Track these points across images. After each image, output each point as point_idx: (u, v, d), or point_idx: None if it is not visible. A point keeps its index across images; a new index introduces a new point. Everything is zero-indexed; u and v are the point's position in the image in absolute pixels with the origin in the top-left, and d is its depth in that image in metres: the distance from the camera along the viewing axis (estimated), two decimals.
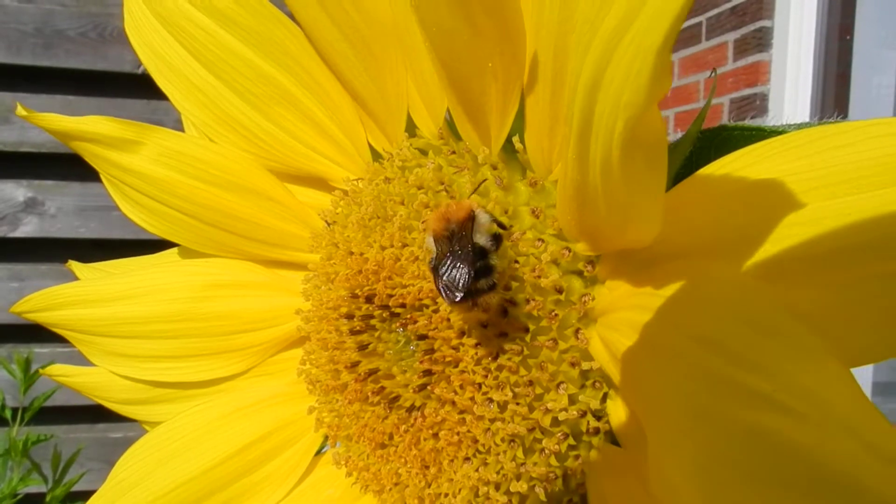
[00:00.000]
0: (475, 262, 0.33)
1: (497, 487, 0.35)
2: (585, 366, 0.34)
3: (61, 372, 0.51)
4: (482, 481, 0.35)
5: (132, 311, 0.48)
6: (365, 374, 0.41)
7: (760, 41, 2.60)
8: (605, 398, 0.34)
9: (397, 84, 0.40)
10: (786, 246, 0.24)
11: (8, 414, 1.99)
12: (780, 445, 0.18)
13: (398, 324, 0.39)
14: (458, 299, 0.32)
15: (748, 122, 0.36)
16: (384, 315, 0.40)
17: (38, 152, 2.25)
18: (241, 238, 0.47)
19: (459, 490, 0.36)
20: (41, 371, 0.53)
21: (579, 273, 0.35)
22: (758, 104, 2.62)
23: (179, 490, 0.45)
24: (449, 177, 0.38)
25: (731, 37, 2.72)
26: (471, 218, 0.34)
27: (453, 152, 0.39)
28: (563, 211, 0.33)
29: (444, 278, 0.33)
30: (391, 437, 0.39)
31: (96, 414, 2.28)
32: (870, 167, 0.22)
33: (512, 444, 0.35)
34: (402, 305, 0.38)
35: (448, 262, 0.33)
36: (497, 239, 0.33)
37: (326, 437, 0.46)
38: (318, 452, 0.47)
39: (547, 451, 0.34)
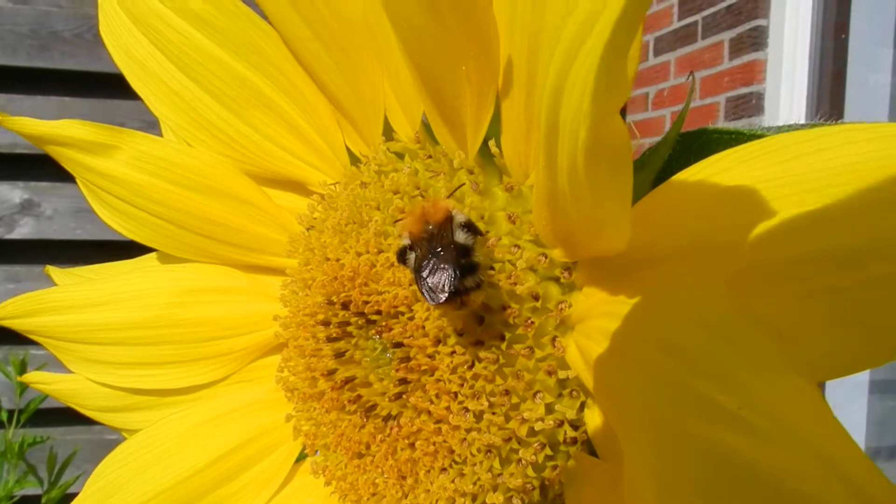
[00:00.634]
0: (459, 261, 0.32)
1: (474, 499, 0.35)
2: (562, 374, 0.33)
3: (39, 379, 0.51)
4: (458, 492, 0.35)
5: (109, 318, 0.47)
6: (342, 382, 0.40)
7: (756, 40, 2.60)
8: (582, 407, 0.34)
9: (373, 86, 0.40)
10: (756, 254, 0.23)
11: (4, 416, 1.98)
12: (740, 464, 0.18)
13: (374, 331, 0.39)
14: (442, 300, 0.31)
15: (727, 126, 0.35)
16: (360, 322, 0.39)
17: (33, 154, 2.24)
18: (218, 243, 0.47)
19: (436, 501, 0.36)
20: (19, 377, 0.52)
21: (556, 279, 0.34)
22: (753, 103, 2.62)
23: (158, 499, 0.44)
24: (425, 181, 0.38)
25: (726, 36, 2.71)
26: (449, 219, 0.33)
27: (430, 156, 0.39)
28: (537, 216, 0.32)
29: (429, 281, 0.32)
30: (368, 446, 0.39)
31: None
32: (841, 174, 0.21)
33: (488, 454, 0.34)
34: (378, 312, 0.38)
35: (430, 264, 0.32)
36: (475, 233, 0.33)
37: (305, 446, 0.45)
38: (298, 460, 0.46)
39: (524, 462, 0.34)
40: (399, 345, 0.36)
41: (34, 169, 2.28)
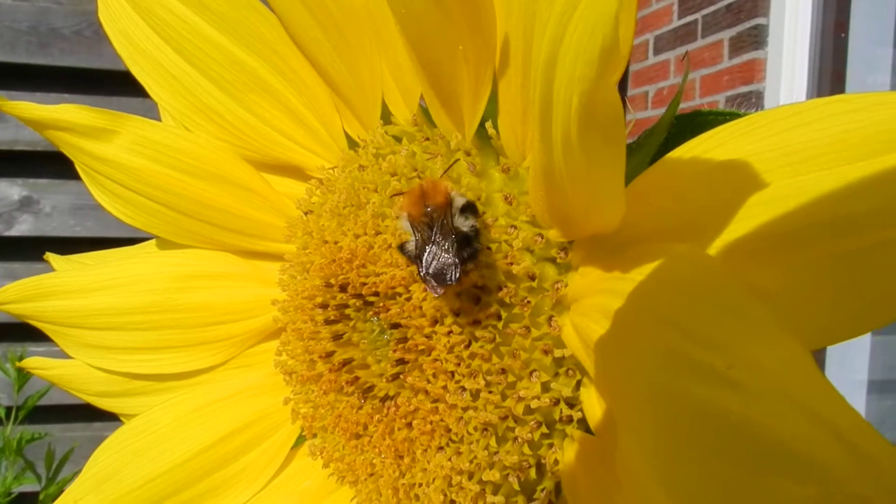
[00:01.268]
0: (461, 253, 0.32)
1: (470, 476, 0.35)
2: (558, 353, 0.34)
3: (38, 364, 0.51)
4: (455, 470, 0.35)
5: (108, 303, 0.47)
6: (339, 364, 0.40)
7: (756, 39, 2.60)
8: (578, 386, 0.34)
9: (372, 71, 0.40)
10: (750, 225, 0.24)
11: (2, 413, 1.98)
12: (732, 422, 0.18)
13: (372, 312, 0.39)
14: (442, 293, 0.32)
15: (722, 108, 0.36)
16: (358, 304, 0.40)
17: (33, 151, 2.25)
18: (217, 228, 0.47)
19: (433, 479, 0.36)
20: (18, 363, 0.52)
21: (552, 260, 0.35)
22: (753, 102, 2.62)
23: (154, 482, 0.45)
24: (422, 163, 0.38)
25: (726, 34, 2.71)
26: (448, 202, 0.33)
27: (427, 139, 0.39)
28: (534, 196, 0.33)
29: (432, 271, 0.32)
30: (365, 427, 0.39)
31: (91, 413, 2.27)
32: (828, 144, 0.22)
33: (485, 432, 0.34)
34: (376, 294, 0.38)
35: (432, 253, 0.32)
36: (475, 212, 0.33)
37: (303, 429, 0.45)
38: (296, 444, 0.46)
39: (520, 440, 0.34)
40: (396, 325, 0.37)
41: (33, 166, 2.28)
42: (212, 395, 0.47)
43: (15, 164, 2.27)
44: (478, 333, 0.34)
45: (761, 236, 0.23)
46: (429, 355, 0.35)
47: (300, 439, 0.46)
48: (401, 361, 0.36)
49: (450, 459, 0.35)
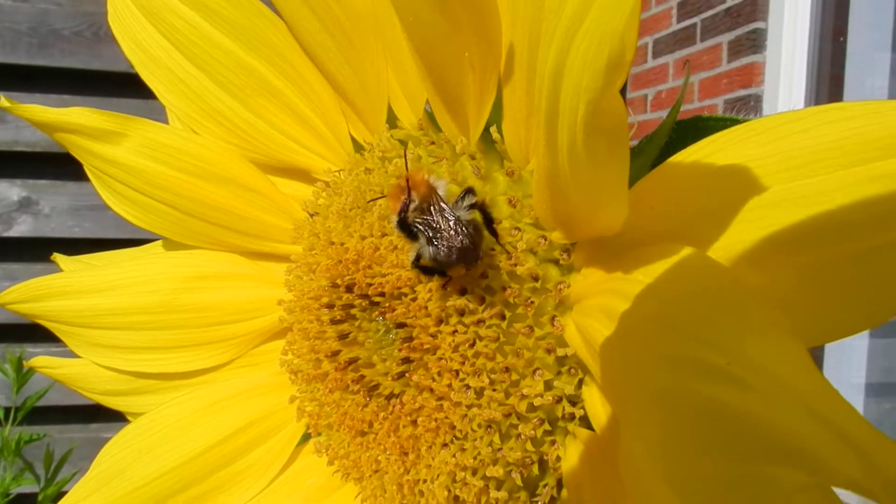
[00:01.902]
0: (468, 230, 0.33)
1: (474, 473, 0.36)
2: (561, 352, 0.34)
3: (45, 363, 0.51)
4: (459, 467, 0.36)
5: (115, 303, 0.48)
6: (345, 363, 0.41)
7: (754, 42, 2.61)
8: (580, 384, 0.34)
9: (378, 75, 0.41)
10: (749, 228, 0.25)
11: (1, 413, 1.98)
12: (733, 417, 0.19)
13: (377, 312, 0.40)
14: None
15: (722, 114, 0.36)
16: (364, 304, 0.40)
17: (32, 151, 2.25)
18: (224, 230, 0.48)
19: (437, 476, 0.37)
20: (26, 363, 0.53)
21: (555, 261, 0.35)
22: (752, 105, 2.63)
23: (161, 480, 0.45)
24: (428, 167, 0.39)
25: (725, 38, 2.72)
26: (433, 189, 0.34)
27: (432, 143, 0.40)
28: (538, 199, 0.33)
29: (455, 257, 0.33)
30: (371, 424, 0.40)
31: (90, 414, 2.28)
32: (825, 150, 0.22)
33: (489, 429, 0.35)
34: (382, 294, 0.39)
35: (444, 242, 0.33)
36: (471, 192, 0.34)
37: (308, 428, 0.46)
38: (301, 442, 0.47)
39: (523, 437, 0.35)
40: (402, 325, 0.37)
41: (32, 167, 2.28)
42: (218, 393, 0.48)
43: (14, 164, 2.28)
44: (482, 333, 0.35)
45: (760, 239, 0.24)
46: (434, 354, 0.36)
47: (305, 437, 0.46)
48: (406, 360, 0.37)
49: (454, 456, 0.36)
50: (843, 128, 0.22)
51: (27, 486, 1.88)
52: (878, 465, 0.16)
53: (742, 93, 2.66)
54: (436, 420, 0.36)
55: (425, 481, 0.37)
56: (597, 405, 0.33)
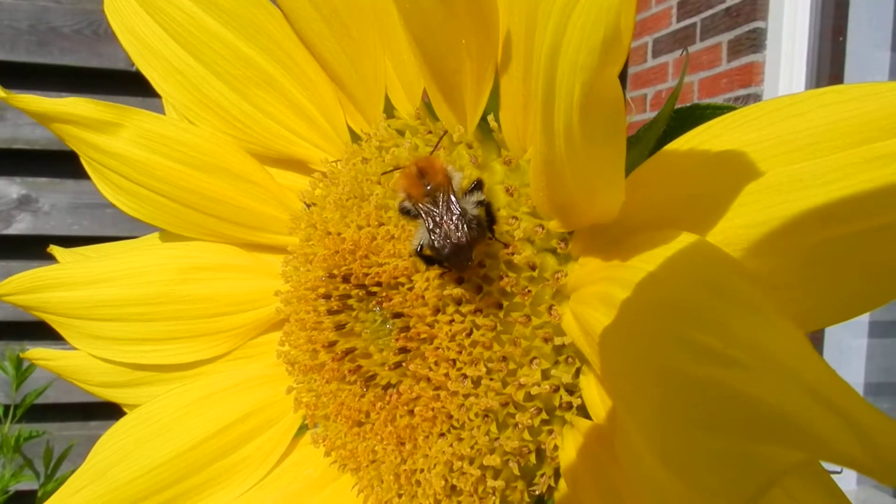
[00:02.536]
0: (471, 228, 0.33)
1: (471, 462, 0.35)
2: (558, 341, 0.34)
3: (41, 356, 0.51)
4: (456, 456, 0.36)
5: (112, 294, 0.48)
6: (342, 354, 0.41)
7: (754, 42, 2.61)
8: (578, 373, 0.34)
9: (375, 65, 0.41)
10: (746, 212, 0.24)
11: (0, 411, 1.98)
12: (728, 394, 0.19)
13: (374, 302, 0.39)
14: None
15: (720, 102, 0.36)
16: (361, 294, 0.40)
17: (31, 149, 2.25)
18: (221, 221, 0.47)
19: (434, 465, 0.36)
20: (22, 354, 0.53)
21: (552, 250, 0.35)
22: (752, 104, 2.63)
23: (157, 471, 0.45)
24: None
25: (724, 38, 2.72)
26: (448, 180, 0.34)
27: (430, 132, 0.39)
28: (535, 187, 0.33)
29: (447, 252, 0.32)
30: (367, 414, 0.40)
31: (89, 411, 2.28)
32: (822, 133, 0.22)
33: (486, 418, 0.35)
34: (378, 284, 0.38)
35: (443, 234, 0.33)
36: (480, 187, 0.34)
37: (305, 419, 0.46)
38: (298, 434, 0.47)
39: (520, 426, 0.35)
40: (399, 315, 0.37)
41: (32, 164, 2.28)
42: (215, 385, 0.48)
43: (14, 162, 2.28)
44: (479, 322, 0.35)
45: (757, 222, 0.24)
46: (431, 344, 0.36)
47: (302, 428, 0.46)
48: (403, 350, 0.37)
49: (451, 445, 0.36)
50: (840, 110, 0.22)
51: (26, 483, 1.88)
52: (877, 442, 0.16)
53: (742, 92, 2.66)
54: (433, 409, 0.36)
55: (422, 471, 0.37)
56: (594, 394, 0.32)
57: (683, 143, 0.28)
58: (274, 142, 0.46)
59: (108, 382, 0.50)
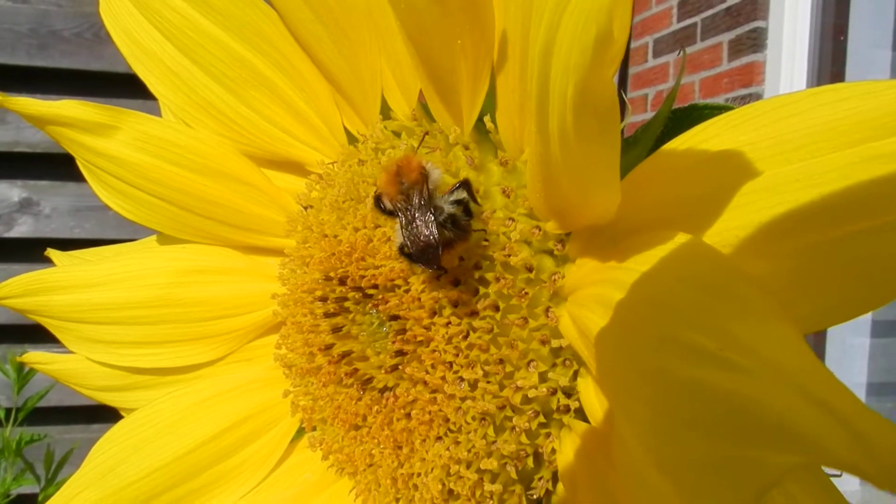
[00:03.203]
0: (444, 229, 0.32)
1: (468, 466, 0.35)
2: (556, 344, 0.34)
3: (38, 359, 0.51)
4: (453, 460, 0.35)
5: (109, 297, 0.47)
6: (339, 357, 0.41)
7: (755, 42, 2.61)
8: (575, 376, 0.34)
9: (371, 66, 0.40)
10: (743, 213, 0.24)
11: (1, 414, 1.98)
12: (723, 398, 0.18)
13: (371, 305, 0.39)
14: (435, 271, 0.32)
15: (718, 102, 0.36)
16: (357, 297, 0.40)
17: (33, 152, 2.25)
18: (218, 224, 0.47)
19: (431, 469, 0.36)
20: (20, 358, 0.52)
21: (549, 252, 0.35)
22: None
23: (155, 475, 0.45)
24: (421, 157, 0.38)
25: (725, 37, 2.72)
26: (424, 178, 0.34)
27: (426, 133, 0.39)
28: (531, 188, 0.33)
29: (414, 251, 0.32)
30: (364, 418, 0.39)
31: (90, 414, 2.28)
32: (819, 132, 0.22)
33: (483, 422, 0.35)
34: (375, 286, 0.38)
35: (413, 232, 0.32)
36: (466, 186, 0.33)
37: (303, 423, 0.45)
38: (296, 437, 0.47)
39: (517, 429, 0.34)
40: (395, 317, 0.37)
41: (33, 168, 2.28)
42: (212, 389, 0.47)
43: (15, 165, 2.28)
44: (476, 324, 0.34)
45: (754, 223, 0.24)
46: (427, 346, 0.36)
47: (300, 432, 0.46)
48: (399, 353, 0.37)
49: (448, 449, 0.35)
50: (838, 109, 0.22)
51: (28, 487, 1.87)
52: (875, 446, 0.16)
53: (742, 92, 2.66)
54: (430, 413, 0.35)
55: (419, 475, 0.37)
56: (592, 396, 0.32)
57: (680, 143, 0.28)
58: (270, 144, 0.45)
59: (106, 386, 0.50)
